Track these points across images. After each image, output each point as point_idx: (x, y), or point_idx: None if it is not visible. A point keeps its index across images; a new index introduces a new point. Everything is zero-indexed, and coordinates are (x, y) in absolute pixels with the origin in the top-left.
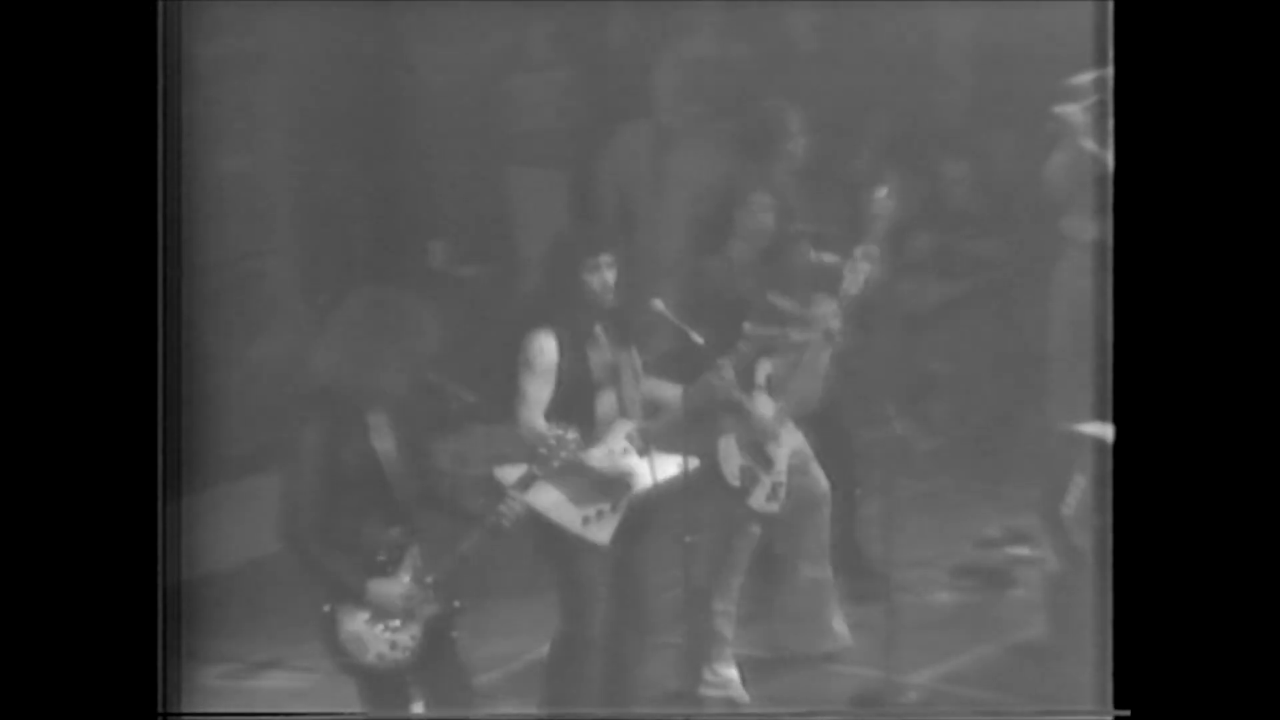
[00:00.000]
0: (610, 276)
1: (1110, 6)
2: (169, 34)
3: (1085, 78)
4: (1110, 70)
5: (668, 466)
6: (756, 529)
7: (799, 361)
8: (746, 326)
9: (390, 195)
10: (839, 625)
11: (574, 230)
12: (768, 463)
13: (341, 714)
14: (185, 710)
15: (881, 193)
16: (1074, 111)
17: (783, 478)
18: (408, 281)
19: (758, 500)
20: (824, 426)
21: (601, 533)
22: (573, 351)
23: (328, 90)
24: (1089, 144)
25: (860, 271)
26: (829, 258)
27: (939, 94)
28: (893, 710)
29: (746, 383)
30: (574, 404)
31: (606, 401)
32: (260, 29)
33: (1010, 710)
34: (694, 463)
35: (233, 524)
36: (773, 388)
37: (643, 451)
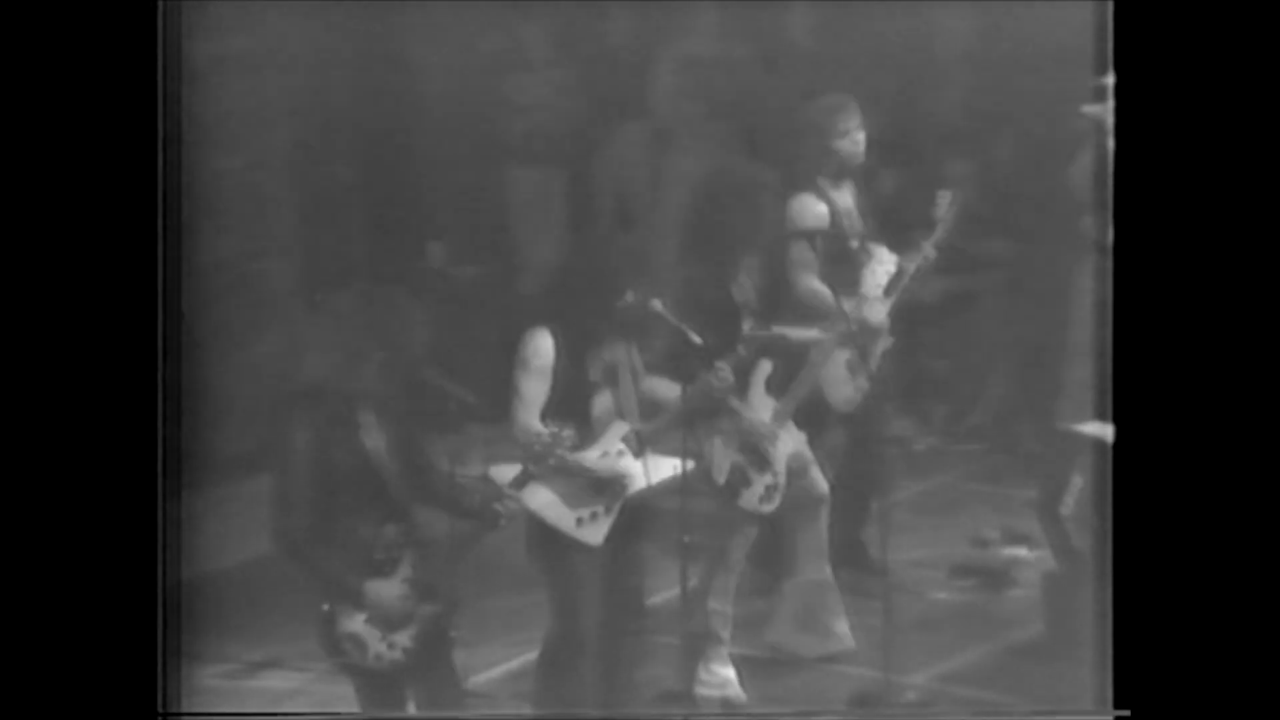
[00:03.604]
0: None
1: (1110, 7)
2: (169, 34)
3: (1114, 78)
4: (1110, 74)
5: (663, 469)
6: (752, 530)
7: (805, 362)
8: (745, 328)
9: (389, 195)
10: (840, 627)
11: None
12: (763, 463)
13: (340, 714)
14: (185, 710)
15: (945, 197)
16: (1102, 112)
17: (780, 479)
18: (406, 281)
19: (749, 501)
20: (826, 425)
21: (594, 534)
22: (570, 351)
23: (327, 90)
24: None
25: (878, 274)
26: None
27: (945, 93)
28: (892, 710)
29: (743, 383)
30: (570, 404)
31: (603, 402)
32: (260, 29)
33: (1010, 710)
34: (690, 464)
35: (232, 524)
36: (772, 387)
37: (638, 453)
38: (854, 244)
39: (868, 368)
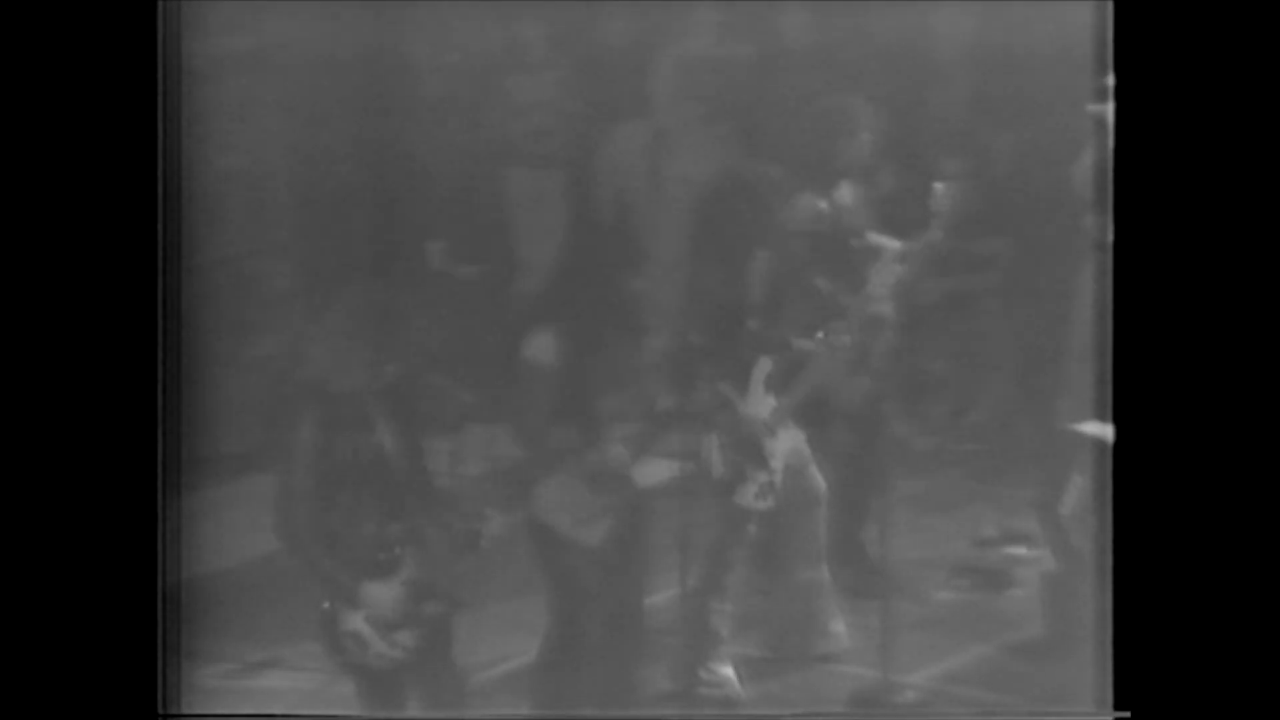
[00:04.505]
0: None
1: (1110, 7)
2: (169, 34)
3: (1114, 79)
4: (1110, 75)
5: (660, 471)
6: (750, 527)
7: (806, 360)
8: (750, 327)
9: (388, 195)
10: (836, 626)
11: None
12: (761, 460)
13: (340, 714)
14: (185, 710)
15: (939, 189)
16: (1104, 111)
17: (776, 476)
18: (406, 281)
19: (745, 497)
20: (826, 424)
21: (592, 534)
22: (571, 352)
23: (327, 90)
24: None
25: (885, 274)
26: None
27: (944, 93)
28: (891, 710)
29: (742, 380)
30: (571, 405)
31: (604, 403)
32: (260, 29)
33: (1009, 710)
34: (689, 463)
35: (232, 523)
36: (772, 385)
37: (637, 455)
38: (854, 243)
39: (871, 365)
